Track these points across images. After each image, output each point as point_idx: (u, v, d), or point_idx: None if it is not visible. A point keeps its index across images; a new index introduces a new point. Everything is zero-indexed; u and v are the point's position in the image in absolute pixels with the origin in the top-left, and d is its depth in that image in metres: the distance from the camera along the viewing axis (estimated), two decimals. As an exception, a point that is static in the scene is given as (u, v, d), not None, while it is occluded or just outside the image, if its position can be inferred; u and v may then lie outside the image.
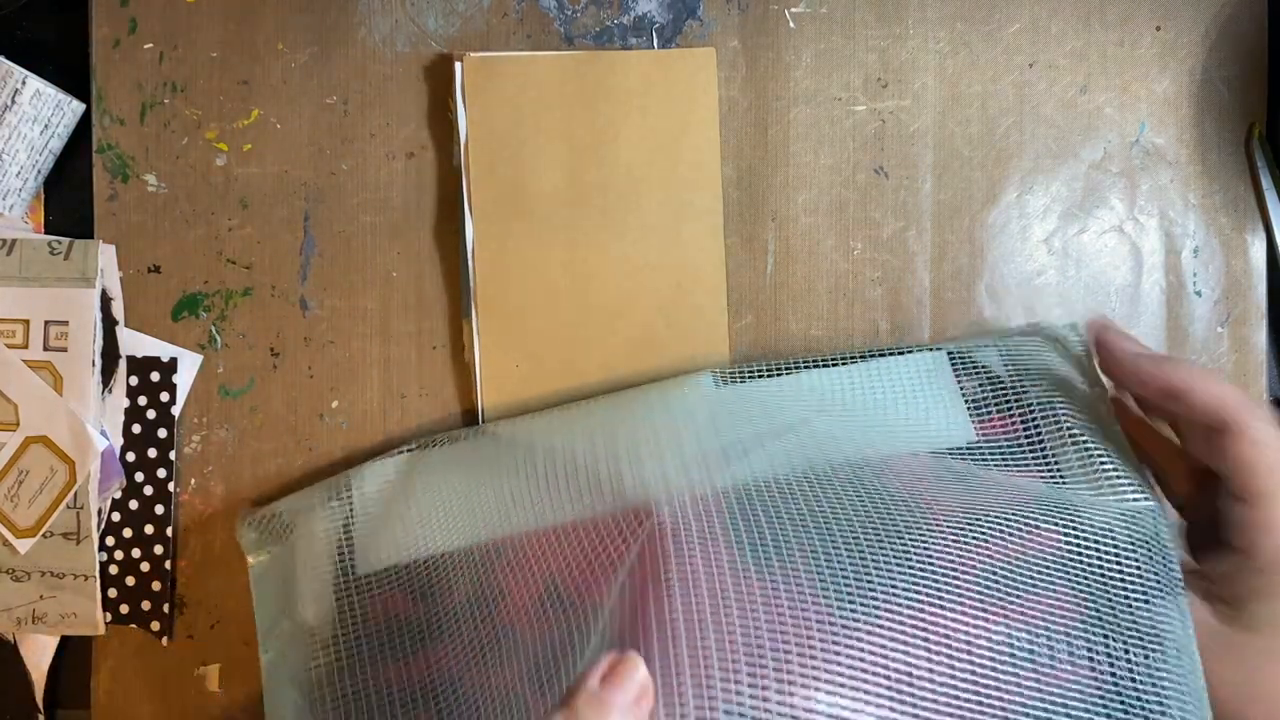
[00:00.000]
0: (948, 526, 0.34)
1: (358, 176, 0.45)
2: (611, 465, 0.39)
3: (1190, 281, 0.47)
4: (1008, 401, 0.40)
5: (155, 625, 0.45)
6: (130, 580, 0.45)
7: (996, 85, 0.46)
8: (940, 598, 0.32)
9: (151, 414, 0.45)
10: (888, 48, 0.46)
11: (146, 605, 0.45)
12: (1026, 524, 0.35)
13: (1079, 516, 0.35)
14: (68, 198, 0.45)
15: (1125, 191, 0.47)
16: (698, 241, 0.45)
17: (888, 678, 0.30)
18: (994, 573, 0.33)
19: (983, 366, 0.42)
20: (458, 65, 0.44)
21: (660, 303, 0.45)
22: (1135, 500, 0.36)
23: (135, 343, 0.45)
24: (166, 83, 0.45)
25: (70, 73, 0.45)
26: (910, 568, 0.33)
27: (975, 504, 0.36)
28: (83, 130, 0.45)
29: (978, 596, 0.33)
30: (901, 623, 0.31)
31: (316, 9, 0.45)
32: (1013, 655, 0.32)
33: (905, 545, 0.34)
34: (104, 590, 0.45)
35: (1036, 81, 0.46)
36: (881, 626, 0.31)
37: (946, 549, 0.34)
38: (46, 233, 0.45)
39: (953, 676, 0.31)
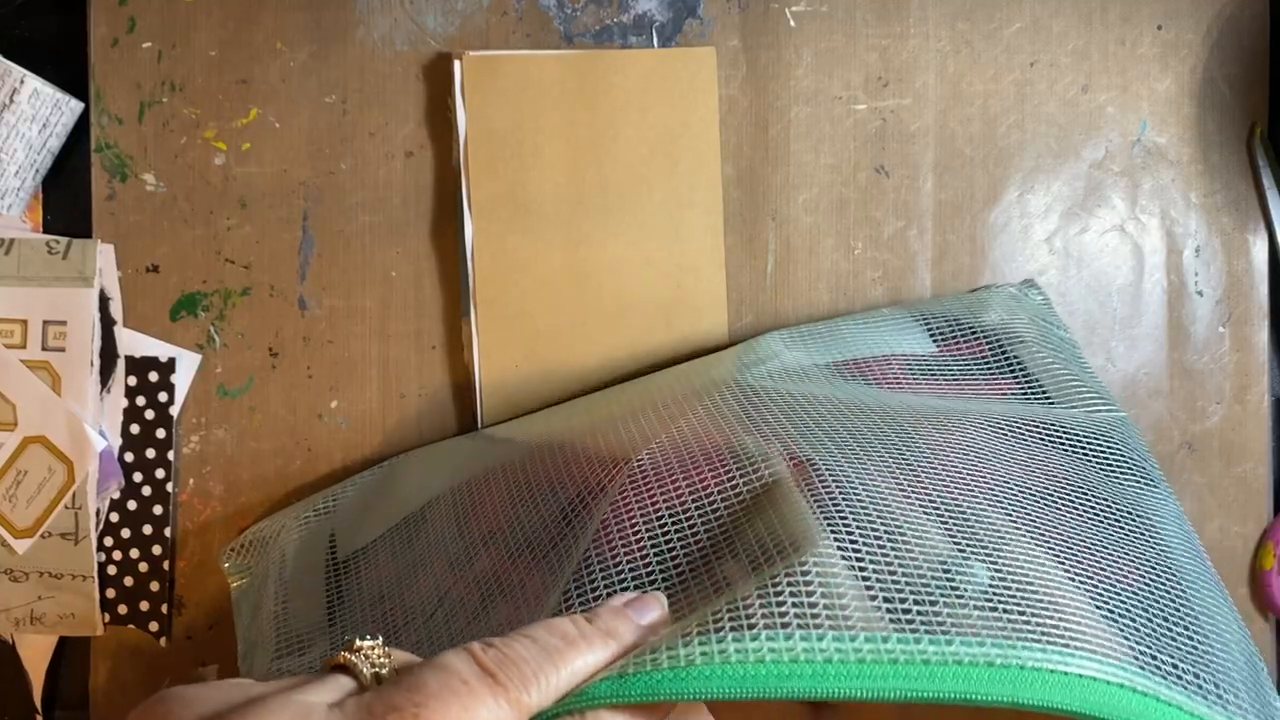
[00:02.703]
0: (930, 415, 0.35)
1: (357, 176, 0.45)
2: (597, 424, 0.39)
3: (1192, 281, 0.47)
4: (973, 331, 0.41)
5: (153, 626, 0.45)
6: (128, 581, 0.45)
7: (998, 84, 0.46)
8: (931, 460, 0.32)
9: (150, 414, 0.45)
10: (889, 47, 0.46)
11: (145, 606, 0.45)
12: (1007, 413, 0.35)
13: (1056, 414, 0.36)
14: (66, 197, 0.45)
15: (1127, 191, 0.46)
16: (698, 241, 0.45)
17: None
18: (980, 448, 0.33)
19: (944, 315, 0.42)
20: (457, 64, 0.44)
21: (660, 302, 0.45)
22: (1107, 411, 0.37)
23: (134, 343, 0.45)
24: (165, 82, 0.45)
25: (69, 72, 0.45)
26: (899, 437, 0.33)
27: (951, 399, 0.37)
28: (81, 129, 0.45)
29: (963, 463, 0.32)
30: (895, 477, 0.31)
31: (315, 8, 0.45)
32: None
33: (894, 423, 0.34)
34: (102, 591, 0.45)
35: (1038, 81, 0.46)
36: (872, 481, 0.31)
37: (931, 429, 0.34)
38: (45, 232, 0.45)
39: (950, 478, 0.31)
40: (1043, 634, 0.24)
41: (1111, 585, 0.28)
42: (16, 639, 0.45)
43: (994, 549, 0.28)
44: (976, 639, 0.24)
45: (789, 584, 0.25)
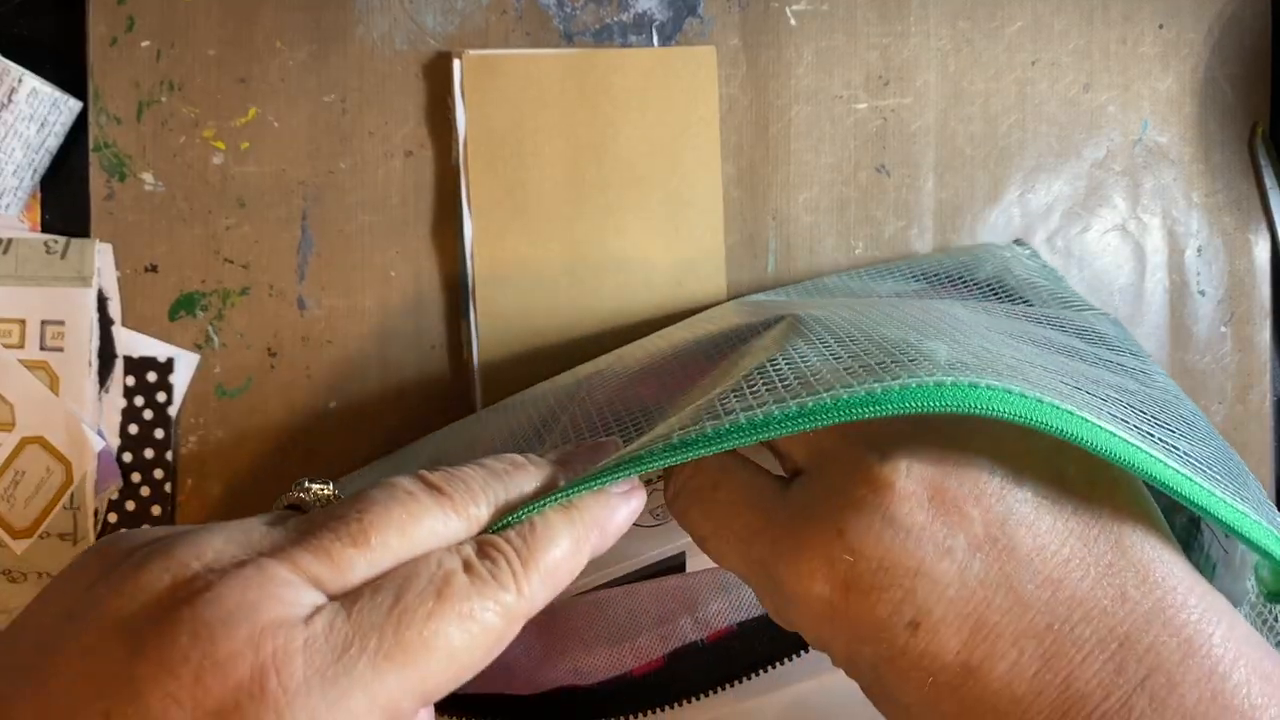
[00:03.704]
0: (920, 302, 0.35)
1: (356, 175, 0.45)
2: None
3: (1193, 281, 0.47)
4: (961, 279, 0.41)
5: (152, 627, 0.45)
6: (127, 581, 0.45)
7: (999, 83, 0.46)
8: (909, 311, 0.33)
9: (148, 414, 0.45)
10: (889, 45, 0.45)
11: (143, 606, 0.45)
12: (997, 308, 0.36)
13: (1049, 311, 0.37)
14: (64, 196, 0.45)
15: (1128, 190, 0.46)
16: (698, 241, 0.45)
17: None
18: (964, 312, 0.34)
19: (937, 270, 0.43)
20: (456, 63, 0.44)
21: (660, 302, 0.45)
22: (1096, 312, 0.38)
23: (132, 342, 0.45)
24: (164, 81, 0.44)
25: (67, 71, 0.44)
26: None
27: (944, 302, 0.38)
28: (79, 129, 0.45)
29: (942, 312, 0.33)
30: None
31: (315, 7, 0.45)
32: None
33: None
34: (101, 591, 0.45)
35: (1039, 80, 0.46)
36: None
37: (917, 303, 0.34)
38: (43, 232, 0.45)
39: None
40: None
41: (1099, 376, 0.28)
42: (14, 640, 0.45)
43: (955, 338, 0.28)
44: (931, 376, 0.24)
45: (761, 376, 0.25)
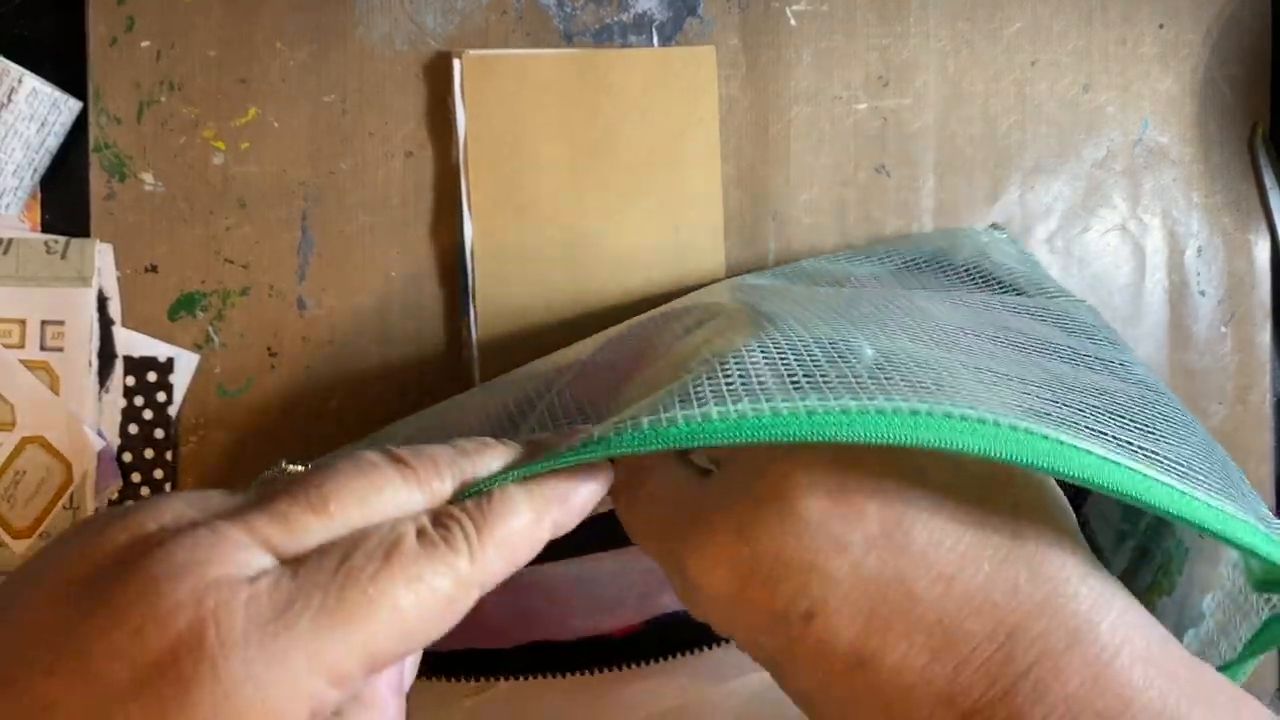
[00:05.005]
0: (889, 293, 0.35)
1: (356, 175, 0.45)
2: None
3: (1193, 281, 0.47)
4: (939, 263, 0.41)
5: (152, 627, 0.45)
6: (127, 581, 0.45)
7: (998, 84, 0.46)
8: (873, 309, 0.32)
9: (149, 414, 0.45)
10: (889, 46, 0.46)
11: (143, 607, 0.45)
12: (971, 298, 0.36)
13: (1023, 300, 0.37)
14: (64, 197, 0.45)
15: (1128, 191, 0.46)
16: (698, 241, 0.45)
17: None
18: (933, 310, 0.34)
19: (914, 253, 0.43)
20: (456, 63, 0.44)
21: (660, 302, 0.45)
22: (1072, 299, 0.38)
23: (132, 342, 0.45)
24: (164, 81, 0.44)
25: (67, 71, 0.44)
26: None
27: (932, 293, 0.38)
28: (79, 129, 0.45)
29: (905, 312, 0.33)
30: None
31: (315, 7, 0.45)
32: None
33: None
34: (100, 591, 0.45)
35: (1038, 80, 0.46)
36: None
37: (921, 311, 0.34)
38: (43, 232, 0.45)
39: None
40: (928, 394, 0.24)
41: (1067, 382, 0.28)
42: (14, 640, 0.45)
43: (891, 341, 0.28)
44: (866, 394, 0.24)
45: (707, 376, 0.25)
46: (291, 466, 0.24)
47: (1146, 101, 0.46)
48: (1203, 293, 0.47)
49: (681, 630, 0.36)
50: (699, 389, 0.25)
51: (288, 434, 0.45)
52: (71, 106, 0.44)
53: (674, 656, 0.36)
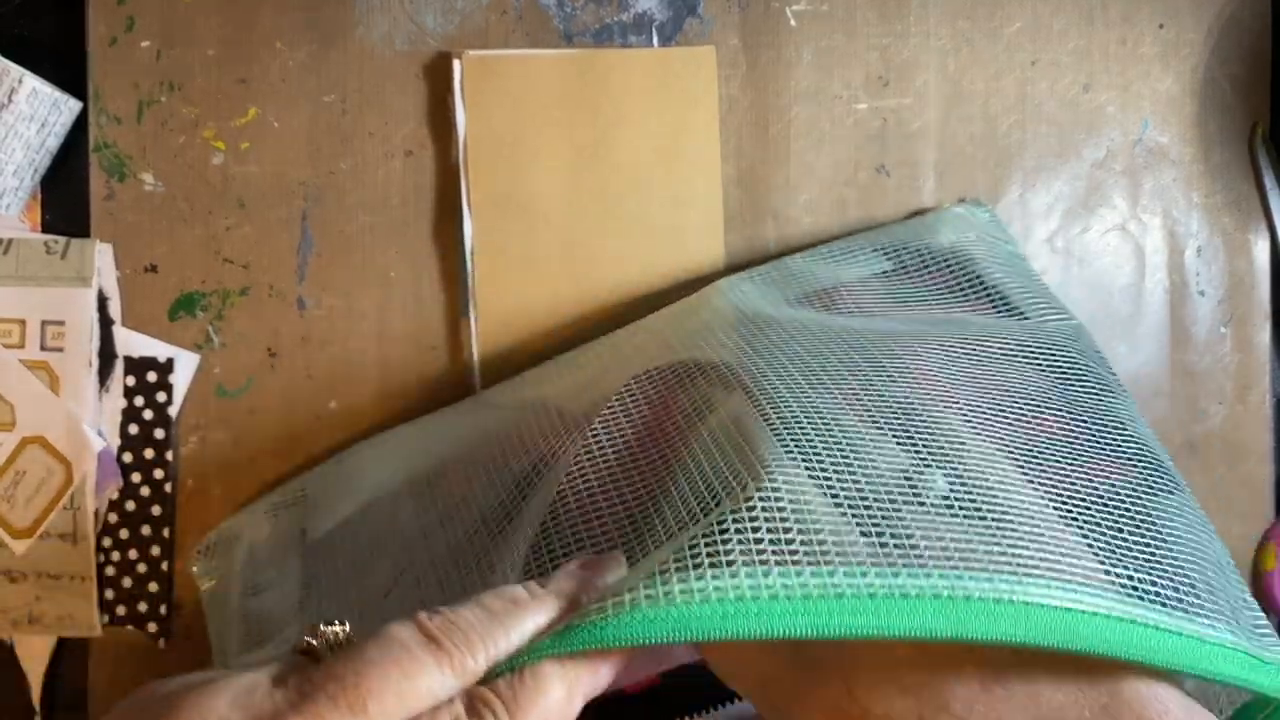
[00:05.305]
0: (893, 336, 0.35)
1: (356, 175, 0.45)
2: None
3: (1193, 281, 0.47)
4: (931, 256, 0.41)
5: (152, 627, 0.45)
6: (127, 582, 0.45)
7: (999, 83, 0.46)
8: (891, 377, 0.32)
9: (148, 414, 0.45)
10: (889, 45, 0.45)
11: (144, 607, 0.45)
12: (967, 331, 0.36)
13: (1008, 325, 0.37)
14: (64, 197, 0.45)
15: (1128, 190, 0.46)
16: (698, 241, 0.45)
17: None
18: (940, 366, 0.33)
19: (897, 240, 0.42)
20: (456, 63, 0.44)
21: (661, 301, 0.45)
22: (1061, 320, 0.38)
23: (132, 342, 0.45)
24: (164, 81, 0.44)
25: (67, 71, 0.44)
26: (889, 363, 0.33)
27: (916, 322, 0.37)
28: (79, 129, 0.45)
29: (923, 378, 0.32)
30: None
31: (315, 7, 0.45)
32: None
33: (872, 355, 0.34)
34: (101, 592, 0.45)
35: (1039, 80, 0.46)
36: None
37: (913, 353, 0.34)
38: (43, 232, 0.45)
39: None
40: (991, 560, 0.24)
41: (1068, 490, 0.28)
42: (15, 640, 0.45)
43: (953, 456, 0.28)
44: (924, 570, 0.24)
45: (734, 520, 0.25)
46: (328, 629, 0.24)
47: (1146, 101, 0.46)
48: (1203, 293, 0.47)
49: (699, 683, 0.36)
50: (727, 546, 0.24)
51: (288, 434, 0.45)
52: (71, 106, 0.44)
53: (693, 716, 0.36)
